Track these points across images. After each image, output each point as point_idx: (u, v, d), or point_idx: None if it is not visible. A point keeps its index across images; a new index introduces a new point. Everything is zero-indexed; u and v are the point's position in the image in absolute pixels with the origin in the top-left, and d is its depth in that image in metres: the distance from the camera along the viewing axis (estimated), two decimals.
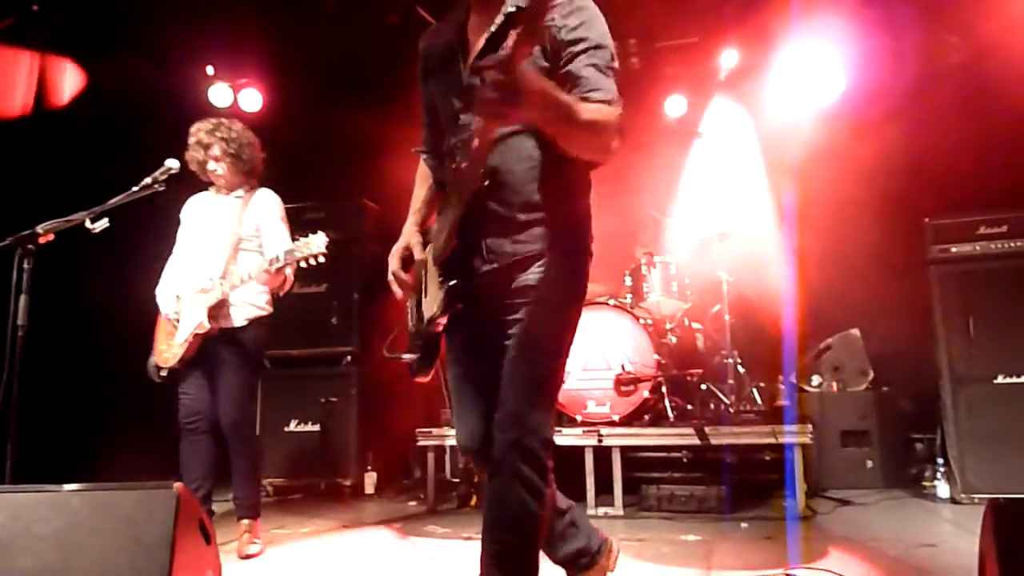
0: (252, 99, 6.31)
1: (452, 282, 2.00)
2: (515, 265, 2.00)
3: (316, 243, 3.31)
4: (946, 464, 4.46)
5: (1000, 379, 4.38)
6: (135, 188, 3.31)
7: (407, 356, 2.27)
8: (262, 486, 4.27)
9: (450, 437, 4.85)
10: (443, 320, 2.07)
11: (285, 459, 5.40)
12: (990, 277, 4.51)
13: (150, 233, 4.07)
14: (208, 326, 3.48)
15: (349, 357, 5.47)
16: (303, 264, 3.35)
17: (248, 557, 3.50)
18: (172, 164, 3.35)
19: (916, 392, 5.10)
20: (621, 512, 4.39)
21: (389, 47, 5.79)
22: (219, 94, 6.15)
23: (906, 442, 5.03)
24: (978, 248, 4.55)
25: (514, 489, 1.92)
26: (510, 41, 1.55)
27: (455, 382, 2.20)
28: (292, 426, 5.43)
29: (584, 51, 1.88)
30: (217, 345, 3.55)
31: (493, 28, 1.91)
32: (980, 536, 1.84)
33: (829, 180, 5.33)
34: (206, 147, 3.68)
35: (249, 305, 3.63)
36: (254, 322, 3.63)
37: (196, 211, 3.83)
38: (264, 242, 3.71)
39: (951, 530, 3.75)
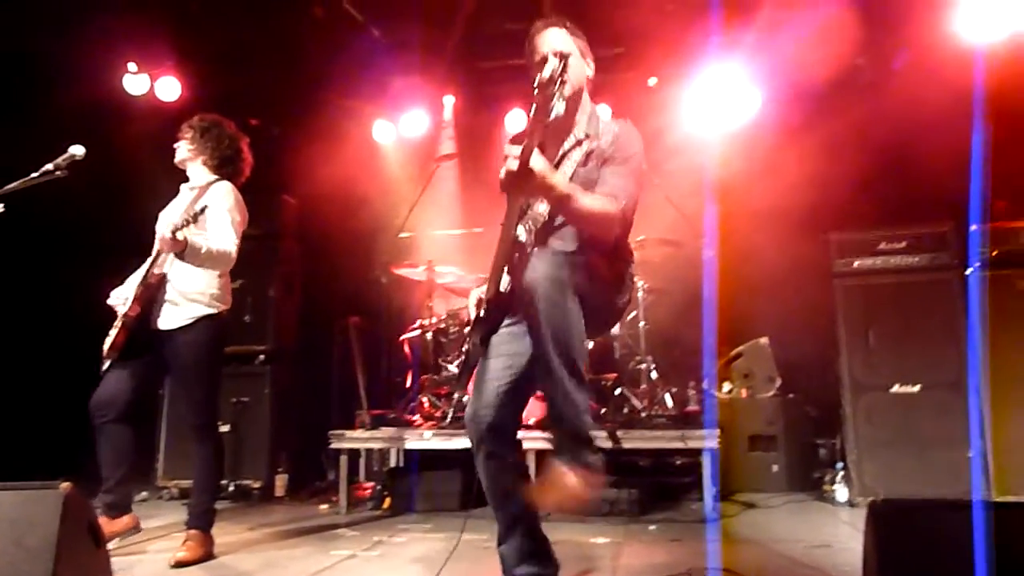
0: (170, 88, 6.09)
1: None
2: None
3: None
4: (845, 468, 4.66)
5: (896, 388, 4.58)
6: (34, 174, 3.19)
7: None
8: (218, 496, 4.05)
9: (365, 440, 4.79)
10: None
11: (192, 460, 5.20)
12: (889, 291, 4.72)
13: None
14: (130, 313, 3.36)
15: (263, 356, 5.33)
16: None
17: (179, 564, 3.31)
18: (76, 150, 3.22)
19: (820, 399, 5.31)
20: None
21: (313, 41, 5.72)
22: (135, 82, 5.92)
23: (810, 447, 5.22)
24: (878, 262, 4.77)
25: None
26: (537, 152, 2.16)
27: None
28: None
29: (614, 162, 2.42)
30: (165, 346, 3.42)
31: (566, 146, 2.48)
32: (863, 535, 1.92)
33: (743, 193, 5.51)
34: (181, 132, 3.61)
35: (191, 304, 3.46)
36: (200, 321, 3.46)
37: (166, 209, 3.69)
38: (208, 229, 3.40)
39: (847, 531, 3.90)
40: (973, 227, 4.69)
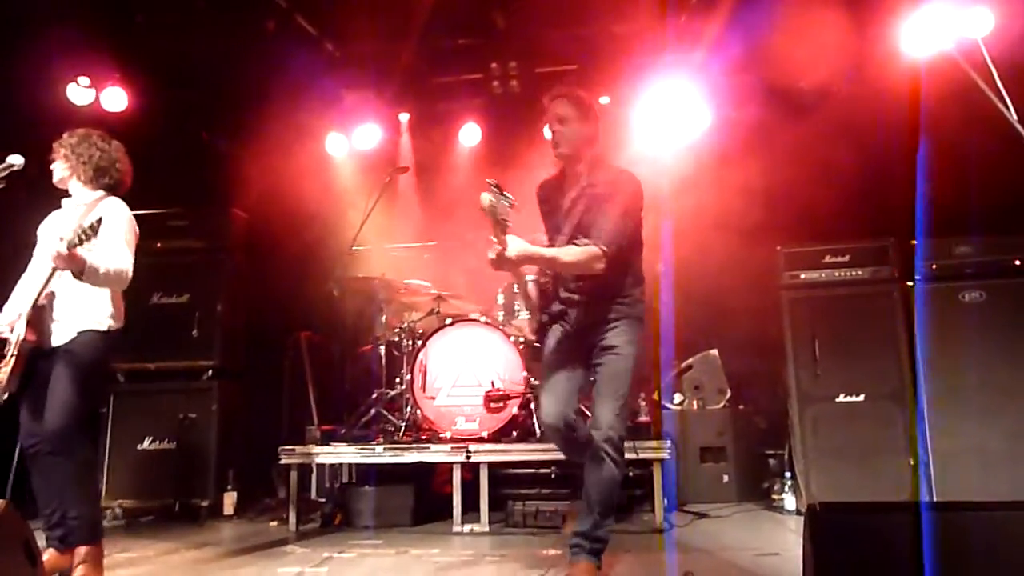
0: (116, 98, 5.96)
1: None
2: None
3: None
4: (793, 478, 4.73)
5: (841, 398, 4.68)
6: None
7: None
8: (99, 506, 3.89)
9: (316, 456, 4.72)
10: None
11: (137, 479, 5.06)
12: (833, 303, 4.84)
13: None
14: (28, 337, 3.22)
15: (210, 371, 5.22)
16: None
17: None
18: (15, 160, 3.14)
19: (769, 410, 5.41)
20: (487, 528, 4.39)
21: (265, 54, 5.67)
22: (80, 93, 5.78)
23: (759, 457, 5.30)
24: (823, 275, 4.88)
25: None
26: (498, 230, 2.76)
27: None
28: (146, 444, 5.11)
29: (608, 202, 3.01)
30: (48, 362, 3.28)
31: (573, 194, 3.12)
32: (803, 540, 1.95)
33: (694, 208, 5.59)
34: (54, 152, 3.47)
35: (77, 319, 3.33)
36: (85, 334, 3.32)
37: (46, 226, 3.56)
38: (98, 247, 3.22)
39: (795, 539, 3.95)
40: (913, 241, 4.85)
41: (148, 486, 5.08)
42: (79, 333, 3.31)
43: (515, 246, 2.79)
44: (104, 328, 3.36)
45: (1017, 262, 4.72)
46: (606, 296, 3.10)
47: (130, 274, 3.31)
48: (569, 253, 2.96)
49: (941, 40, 4.78)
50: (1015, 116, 2.32)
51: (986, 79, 2.43)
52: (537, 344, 3.23)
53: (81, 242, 2.99)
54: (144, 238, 3.54)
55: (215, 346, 5.23)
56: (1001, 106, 2.32)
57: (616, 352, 3.05)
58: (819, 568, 1.72)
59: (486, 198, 2.72)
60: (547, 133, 3.17)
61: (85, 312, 3.34)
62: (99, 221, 3.01)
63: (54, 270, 3.19)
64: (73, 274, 3.12)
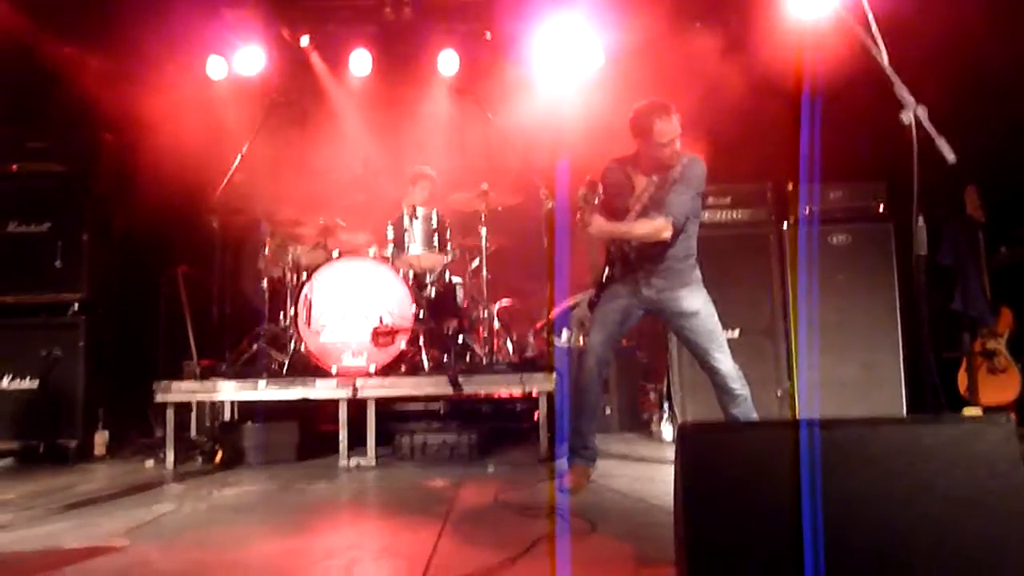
0: None
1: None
2: None
3: None
4: (671, 409, 4.95)
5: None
6: None
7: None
8: None
9: (194, 392, 4.55)
10: None
11: None
12: (715, 243, 4.95)
13: None
14: None
15: (76, 305, 4.89)
16: None
17: None
18: None
19: (651, 345, 5.60)
20: (374, 463, 4.38)
21: None
22: None
23: (640, 390, 5.51)
24: (706, 216, 5.02)
25: None
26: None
27: None
28: (4, 383, 4.78)
29: (679, 183, 3.56)
30: None
31: (656, 179, 3.63)
32: (674, 459, 2.02)
33: (586, 148, 5.61)
34: None
35: None
36: None
37: None
38: None
39: (669, 467, 4.15)
40: (791, 186, 5.08)
41: (9, 427, 4.76)
42: None
43: (597, 224, 3.54)
44: None
45: (881, 208, 5.04)
46: (674, 265, 3.64)
47: None
48: (641, 225, 3.56)
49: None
50: (886, 59, 2.42)
51: (864, 26, 2.51)
52: (595, 298, 3.84)
53: None
54: None
55: (82, 279, 4.90)
56: (873, 49, 2.41)
57: (700, 315, 3.66)
58: (688, 484, 1.80)
59: (581, 191, 3.56)
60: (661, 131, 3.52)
61: None
62: None
63: None
64: None
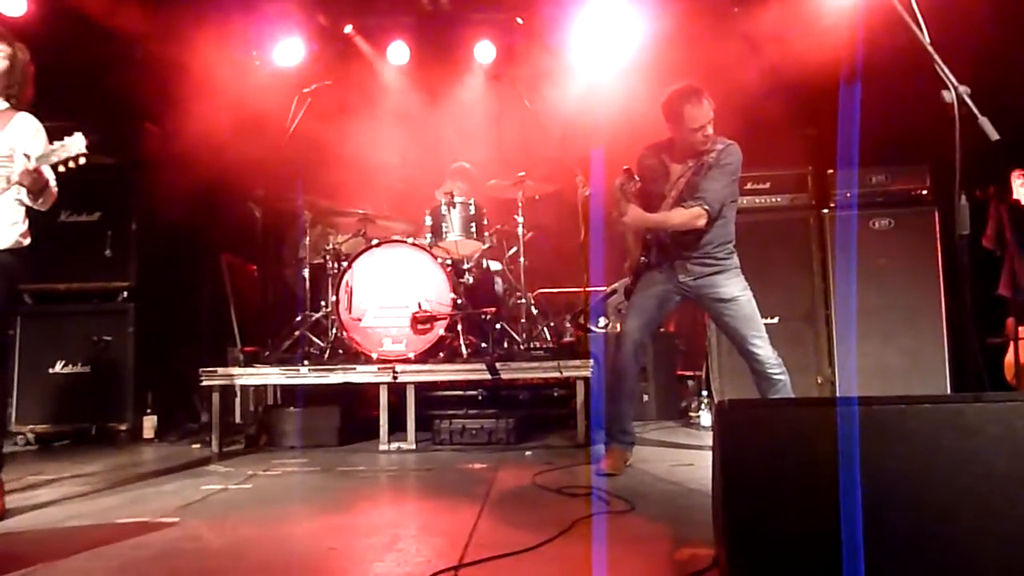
0: (15, 2, 5.51)
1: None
2: None
3: (74, 144, 2.94)
4: (709, 396, 4.93)
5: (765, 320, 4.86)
6: None
7: None
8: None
9: (239, 377, 4.66)
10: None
11: (49, 404, 4.92)
12: (755, 228, 4.94)
13: None
14: None
15: (126, 292, 5.04)
16: (61, 168, 2.97)
17: None
18: None
19: (689, 333, 5.58)
20: (414, 447, 4.45)
21: None
22: None
23: (678, 378, 5.50)
24: (744, 202, 4.97)
25: None
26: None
27: None
28: (58, 367, 4.95)
29: (714, 169, 3.54)
30: None
31: (692, 165, 3.61)
32: (712, 438, 2.03)
33: (623, 134, 5.59)
34: None
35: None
36: (2, 254, 3.08)
37: None
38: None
39: (708, 453, 4.15)
40: (831, 171, 5.01)
41: (62, 410, 4.95)
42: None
43: (632, 215, 3.58)
44: (21, 247, 3.15)
45: (923, 192, 4.95)
46: (711, 251, 3.62)
47: None
48: (676, 215, 3.54)
49: None
50: (927, 38, 2.38)
51: (904, 4, 2.47)
52: (631, 285, 3.85)
53: (60, 162, 2.89)
54: None
55: (130, 266, 5.05)
56: (914, 27, 2.37)
57: (738, 300, 3.62)
58: (726, 460, 1.80)
59: (618, 181, 3.63)
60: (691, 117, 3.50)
61: (8, 231, 3.11)
62: (42, 156, 2.91)
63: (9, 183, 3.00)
64: (29, 192, 3.01)
